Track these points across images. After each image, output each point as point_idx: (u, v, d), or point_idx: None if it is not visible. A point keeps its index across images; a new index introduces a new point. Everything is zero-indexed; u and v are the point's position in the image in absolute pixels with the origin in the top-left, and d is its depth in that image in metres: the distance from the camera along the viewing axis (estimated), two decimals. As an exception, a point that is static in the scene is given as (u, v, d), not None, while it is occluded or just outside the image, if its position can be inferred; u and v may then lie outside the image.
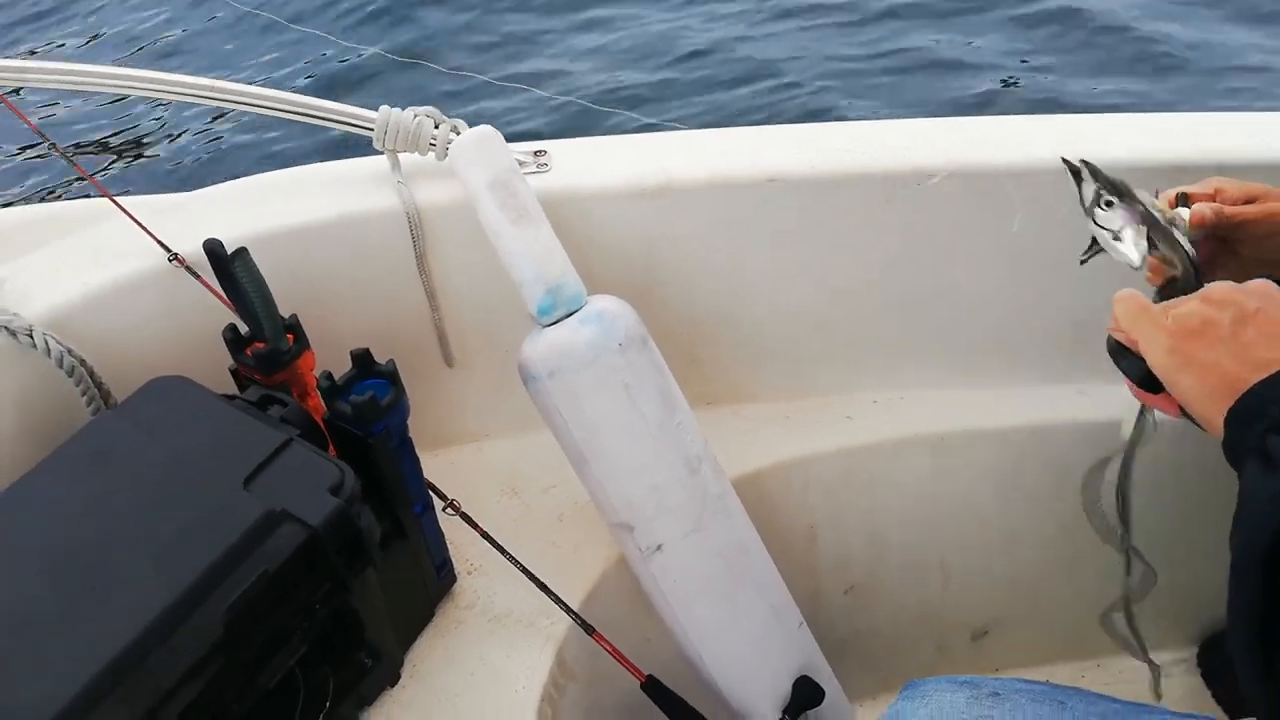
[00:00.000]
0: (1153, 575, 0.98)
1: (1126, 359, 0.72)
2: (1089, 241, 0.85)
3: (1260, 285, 0.67)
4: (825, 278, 1.27)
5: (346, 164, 1.22)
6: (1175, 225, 0.84)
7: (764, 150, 1.23)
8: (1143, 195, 0.84)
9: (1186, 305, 0.68)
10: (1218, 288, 0.68)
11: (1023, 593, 1.43)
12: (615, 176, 1.20)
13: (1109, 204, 0.84)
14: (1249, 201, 0.88)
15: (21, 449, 1.03)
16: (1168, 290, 0.83)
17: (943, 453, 1.30)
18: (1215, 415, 0.62)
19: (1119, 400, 0.84)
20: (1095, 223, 0.84)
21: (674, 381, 1.10)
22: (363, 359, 0.98)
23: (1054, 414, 1.31)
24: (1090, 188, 0.84)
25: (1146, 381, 0.69)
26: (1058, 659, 1.51)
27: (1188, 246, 0.83)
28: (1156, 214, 0.83)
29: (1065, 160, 0.85)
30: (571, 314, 1.06)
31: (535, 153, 1.24)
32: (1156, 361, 0.67)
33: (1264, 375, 0.60)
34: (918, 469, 1.31)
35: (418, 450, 1.08)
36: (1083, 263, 0.87)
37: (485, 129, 1.11)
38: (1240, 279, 0.81)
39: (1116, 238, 0.83)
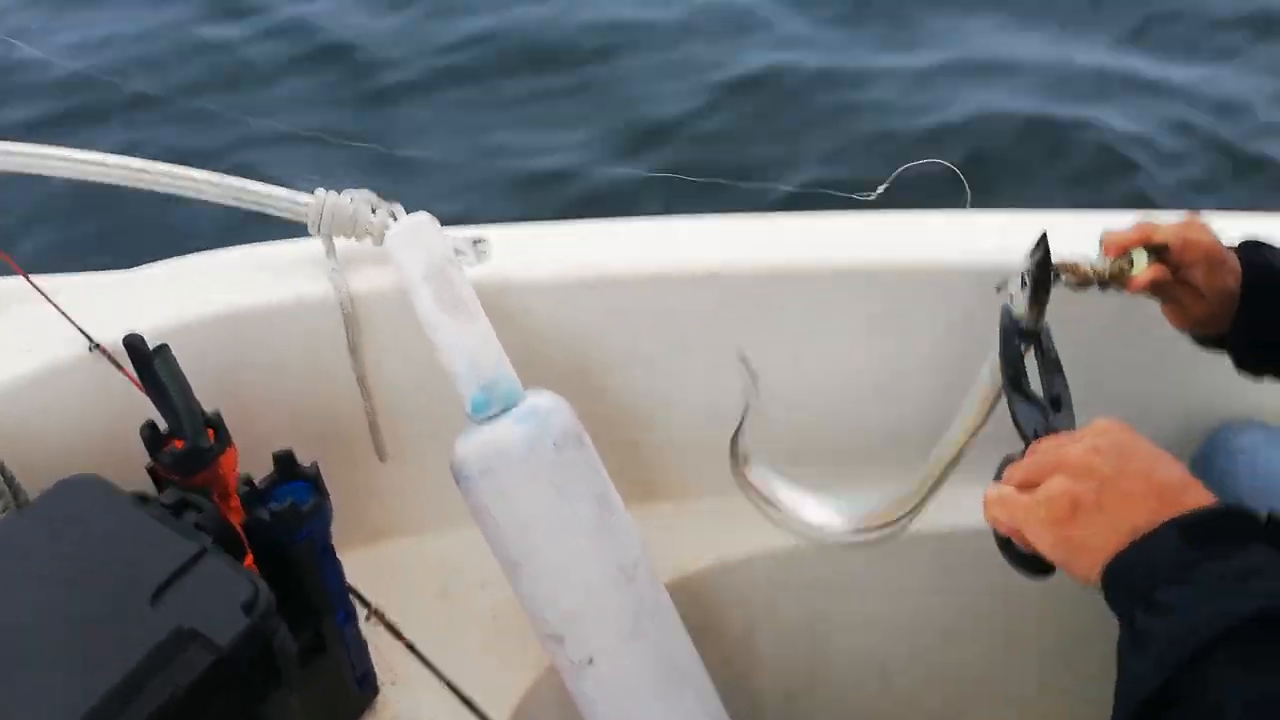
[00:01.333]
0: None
1: (1012, 552, 0.74)
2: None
3: (1109, 435, 0.69)
4: (766, 373, 1.26)
5: (279, 247, 1.19)
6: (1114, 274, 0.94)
7: (706, 243, 1.22)
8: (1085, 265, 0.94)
9: (1050, 484, 0.68)
10: (1073, 452, 0.69)
11: (968, 691, 1.42)
12: (555, 267, 1.18)
13: (1023, 285, 0.89)
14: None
15: None
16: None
17: (883, 553, 1.29)
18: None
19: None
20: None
21: (609, 482, 1.07)
22: (284, 461, 0.94)
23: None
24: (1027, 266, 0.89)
25: (1038, 564, 0.71)
26: None
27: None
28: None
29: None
30: (506, 410, 1.03)
31: (474, 241, 1.21)
32: (1047, 553, 0.69)
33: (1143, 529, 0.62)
34: (857, 569, 1.29)
35: (348, 548, 1.04)
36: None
37: (422, 216, 1.10)
38: (1197, 308, 0.96)
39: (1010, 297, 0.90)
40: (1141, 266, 0.94)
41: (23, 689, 0.77)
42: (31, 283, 1.10)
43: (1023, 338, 0.89)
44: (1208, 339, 1.02)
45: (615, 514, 1.06)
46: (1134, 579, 0.61)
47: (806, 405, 1.29)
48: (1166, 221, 0.97)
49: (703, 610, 1.20)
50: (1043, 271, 0.87)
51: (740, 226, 1.26)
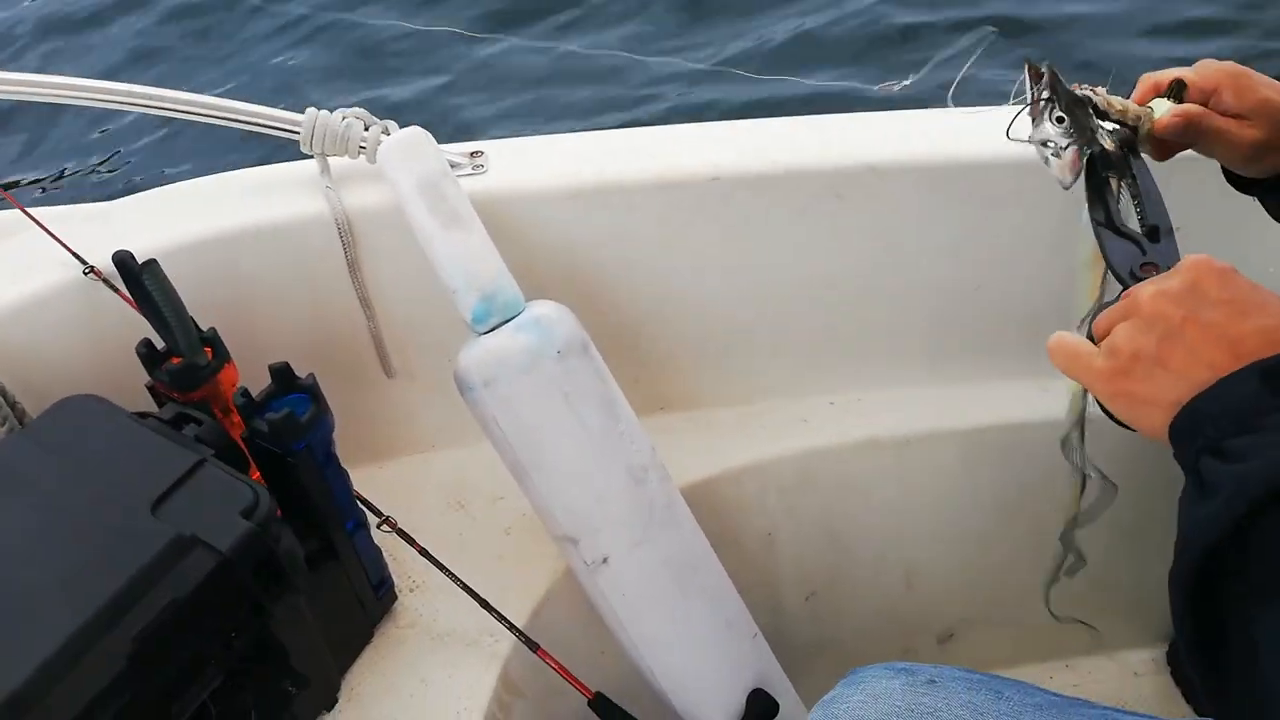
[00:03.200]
0: (1113, 489, 0.92)
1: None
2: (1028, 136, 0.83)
3: (1189, 274, 0.62)
4: (776, 277, 1.23)
5: (272, 169, 1.18)
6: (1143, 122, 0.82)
7: (708, 147, 1.19)
8: (1103, 96, 0.82)
9: (1115, 333, 0.63)
10: (1145, 297, 0.62)
11: (989, 593, 1.40)
12: (554, 177, 1.16)
13: (1058, 119, 0.80)
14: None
15: None
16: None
17: (904, 454, 1.27)
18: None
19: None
20: (1035, 129, 0.81)
21: (617, 388, 1.06)
22: (281, 374, 0.93)
23: (1016, 411, 1.27)
24: (1043, 94, 0.81)
25: None
26: (1026, 660, 1.47)
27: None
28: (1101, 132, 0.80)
29: (1029, 61, 0.82)
30: (508, 321, 1.02)
31: (471, 154, 1.19)
32: (1108, 406, 0.64)
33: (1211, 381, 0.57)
34: (879, 471, 1.27)
35: (358, 464, 1.04)
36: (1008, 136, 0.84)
37: (415, 130, 1.07)
38: (1247, 133, 0.81)
39: (1055, 154, 0.80)
40: (1164, 111, 0.84)
41: (24, 598, 0.77)
42: (25, 212, 1.09)
43: (1106, 167, 0.80)
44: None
45: (622, 420, 1.05)
46: (1202, 427, 0.57)
47: (835, 306, 1.26)
48: None
49: (719, 516, 1.19)
50: (1059, 86, 0.79)
51: (745, 128, 1.23)
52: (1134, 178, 0.79)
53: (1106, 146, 0.80)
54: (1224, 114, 0.82)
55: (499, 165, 1.17)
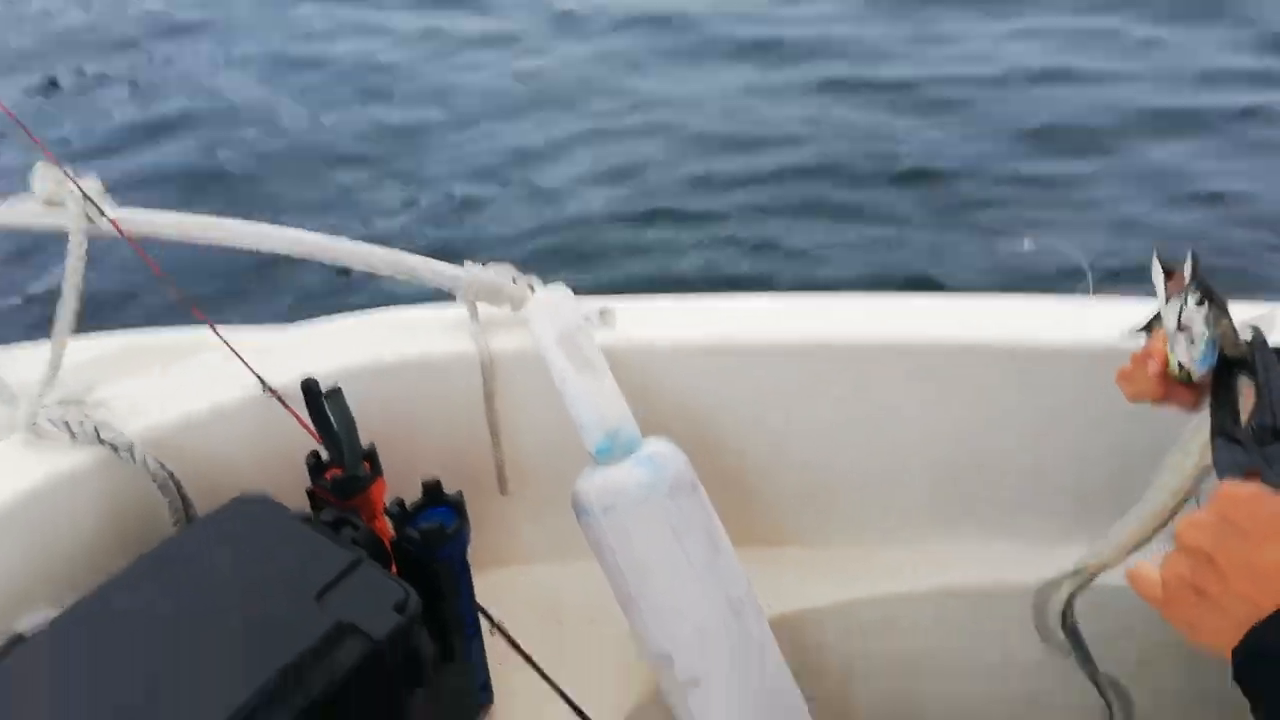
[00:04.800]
0: (1129, 703, 0.96)
1: None
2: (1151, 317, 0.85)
3: (1216, 505, 0.65)
4: (868, 438, 1.34)
5: (428, 311, 1.34)
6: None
7: (811, 317, 1.32)
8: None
9: (1170, 564, 0.67)
10: (1182, 530, 0.66)
11: None
12: (674, 335, 1.30)
13: (1200, 302, 0.81)
14: None
15: (109, 557, 1.11)
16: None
17: (979, 605, 1.34)
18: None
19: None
20: (1170, 309, 0.81)
21: (719, 524, 1.16)
22: (432, 488, 1.06)
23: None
24: (1189, 280, 0.82)
25: None
26: None
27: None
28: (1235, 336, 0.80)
29: (1159, 256, 0.85)
30: (627, 454, 1.13)
31: (601, 311, 1.34)
32: (1184, 635, 0.68)
33: (1254, 615, 0.61)
34: (954, 620, 1.35)
35: (473, 570, 1.14)
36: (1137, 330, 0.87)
37: (558, 287, 1.23)
38: None
39: (1184, 331, 0.81)
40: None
41: (198, 671, 0.88)
42: (216, 332, 1.25)
43: (1231, 367, 0.80)
44: None
45: (724, 554, 1.14)
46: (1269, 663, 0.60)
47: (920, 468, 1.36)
48: None
49: (801, 649, 1.26)
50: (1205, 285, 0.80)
51: (849, 302, 1.37)
52: (1257, 370, 0.79)
53: (1229, 354, 0.79)
54: None
55: (624, 320, 1.32)
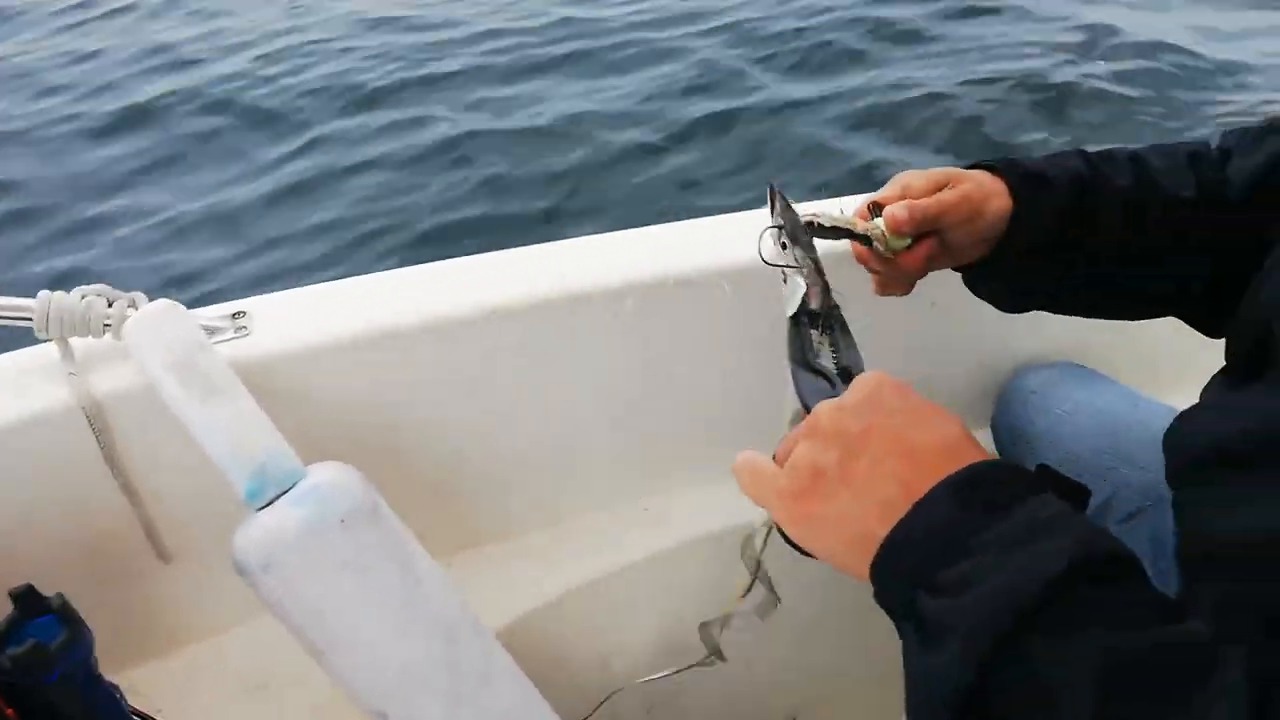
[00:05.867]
0: (774, 601, 0.92)
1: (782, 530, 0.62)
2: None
3: (866, 388, 0.59)
4: (566, 400, 1.22)
5: (5, 359, 1.08)
6: (874, 236, 0.88)
7: (477, 282, 1.17)
8: (834, 214, 0.88)
9: (796, 452, 0.59)
10: (824, 414, 0.59)
11: (822, 690, 1.42)
12: (323, 331, 1.11)
13: (783, 245, 0.84)
14: (941, 189, 0.89)
15: None
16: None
17: (726, 548, 1.26)
18: (861, 570, 0.55)
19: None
20: (765, 253, 0.84)
21: (416, 546, 1.00)
22: (22, 597, 0.84)
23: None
24: (774, 222, 0.85)
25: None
26: None
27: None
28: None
29: (771, 185, 0.86)
30: (284, 493, 0.95)
31: (233, 315, 1.13)
32: (788, 530, 0.59)
33: (890, 517, 0.53)
34: (706, 570, 1.26)
35: (139, 662, 0.97)
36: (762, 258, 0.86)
37: (161, 303, 1.01)
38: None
39: (784, 279, 0.84)
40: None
41: None
42: None
43: (807, 316, 0.81)
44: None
45: (425, 578, 0.99)
46: (908, 561, 0.51)
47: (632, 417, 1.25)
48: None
49: (549, 646, 1.15)
50: (787, 214, 0.83)
51: (511, 258, 1.22)
52: (833, 323, 0.81)
53: (812, 305, 0.81)
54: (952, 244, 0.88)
55: (263, 325, 1.11)
